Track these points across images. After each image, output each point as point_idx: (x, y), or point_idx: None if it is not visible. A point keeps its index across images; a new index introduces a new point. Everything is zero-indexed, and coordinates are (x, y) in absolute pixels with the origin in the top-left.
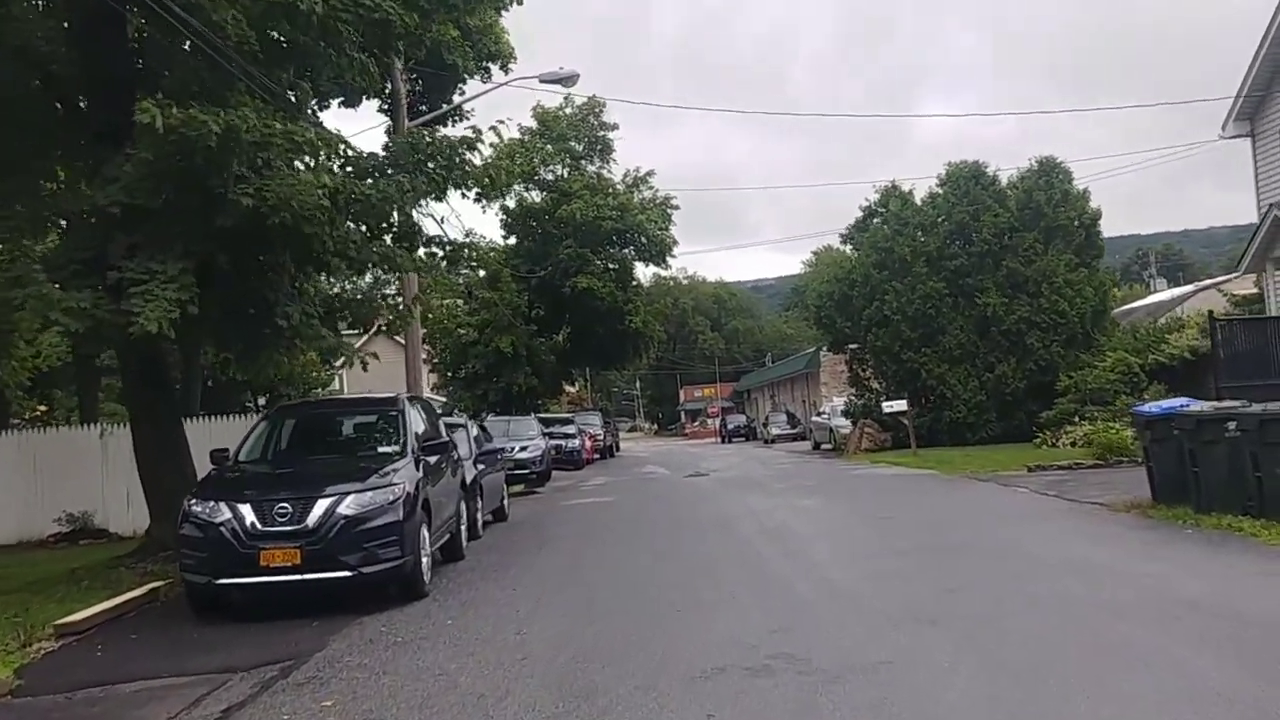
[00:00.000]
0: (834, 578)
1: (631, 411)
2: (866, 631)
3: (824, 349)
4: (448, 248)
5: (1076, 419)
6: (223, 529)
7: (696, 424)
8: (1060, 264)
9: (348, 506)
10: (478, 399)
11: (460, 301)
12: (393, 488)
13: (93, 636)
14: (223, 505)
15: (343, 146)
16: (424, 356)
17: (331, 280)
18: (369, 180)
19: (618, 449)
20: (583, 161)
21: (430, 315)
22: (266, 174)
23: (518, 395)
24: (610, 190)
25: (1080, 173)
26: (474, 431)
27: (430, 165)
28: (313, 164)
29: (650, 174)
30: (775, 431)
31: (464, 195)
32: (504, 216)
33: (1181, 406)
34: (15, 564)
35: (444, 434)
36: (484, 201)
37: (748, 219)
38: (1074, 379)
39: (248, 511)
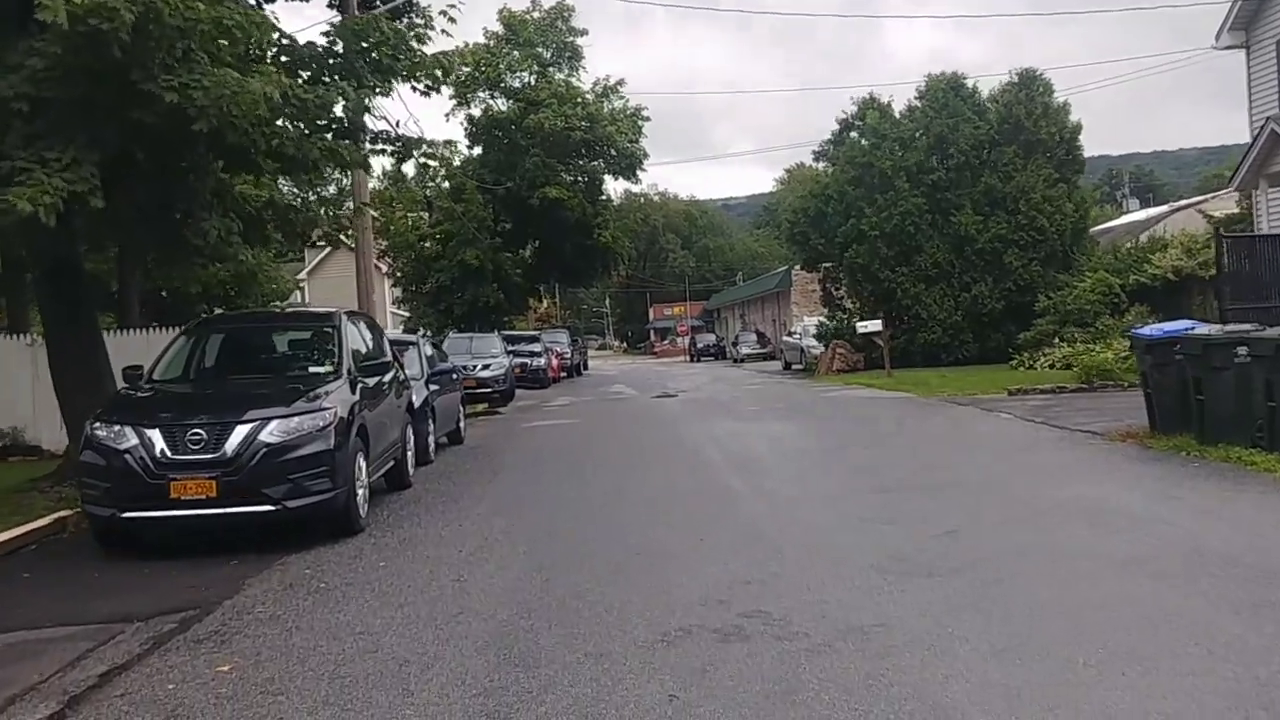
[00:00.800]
0: (812, 519)
1: (601, 329)
2: (852, 586)
3: (796, 268)
4: (397, 142)
5: (1055, 341)
6: (128, 456)
7: (666, 342)
8: (1039, 179)
9: (271, 433)
10: (441, 315)
11: (423, 214)
12: (323, 412)
13: None
14: (129, 430)
15: (277, 35)
16: (385, 270)
17: (295, 191)
18: (303, 78)
19: (585, 367)
20: (551, 69)
21: (391, 228)
22: (194, 65)
23: (484, 311)
24: (579, 99)
25: (1058, 87)
26: (426, 350)
27: (374, 55)
28: (256, 62)
29: (621, 83)
30: (745, 351)
31: (414, 88)
32: (468, 126)
33: (1186, 329)
34: None
35: (388, 353)
36: (433, 95)
37: (718, 135)
38: (1053, 300)
39: (157, 437)
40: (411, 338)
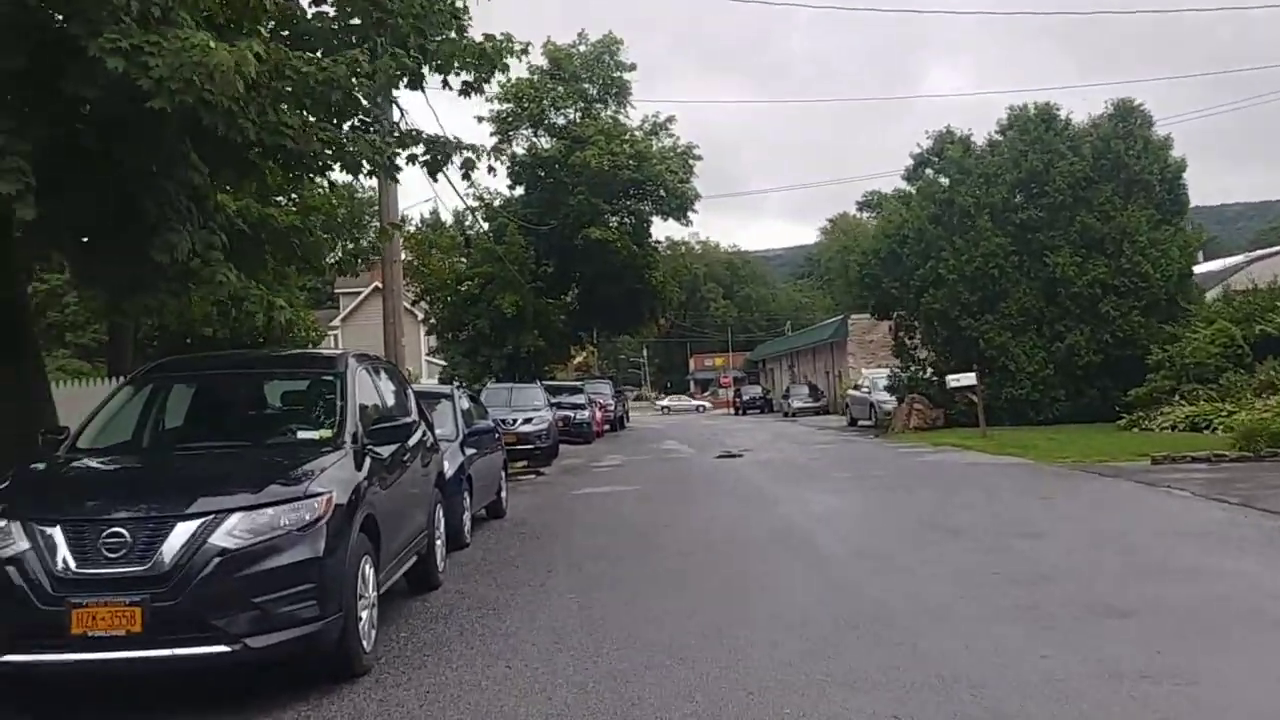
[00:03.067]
0: (1051, 669)
1: (638, 380)
2: None
3: (853, 317)
4: (429, 144)
5: (1176, 398)
6: (13, 570)
7: (707, 394)
8: (1142, 220)
9: (230, 533)
10: (480, 365)
11: (462, 260)
12: (310, 501)
13: None
14: (17, 527)
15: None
16: (420, 316)
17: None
18: (308, 54)
19: (628, 420)
20: (597, 105)
21: (427, 270)
22: (158, 29)
23: (524, 360)
24: (627, 137)
25: None
26: (462, 403)
27: (400, 23)
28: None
29: (670, 120)
30: (797, 404)
31: (446, 84)
32: (510, 164)
33: None
34: None
35: (412, 410)
36: (473, 95)
37: (752, 185)
38: (1168, 352)
39: (58, 539)
40: (444, 389)
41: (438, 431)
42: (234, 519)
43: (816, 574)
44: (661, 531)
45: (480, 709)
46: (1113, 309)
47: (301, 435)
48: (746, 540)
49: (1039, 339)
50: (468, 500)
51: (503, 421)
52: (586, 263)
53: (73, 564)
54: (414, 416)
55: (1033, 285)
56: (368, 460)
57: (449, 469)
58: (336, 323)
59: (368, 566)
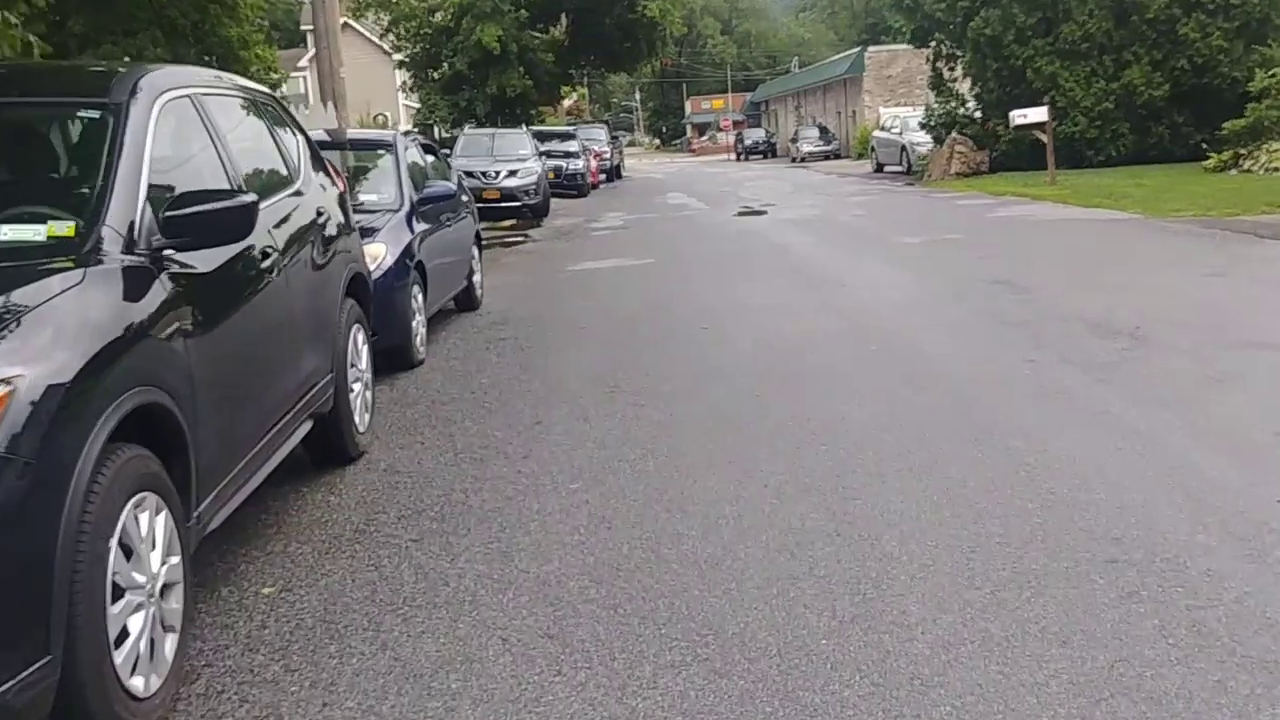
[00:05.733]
0: None
1: (630, 125)
2: None
3: (869, 50)
4: None
5: None
6: None
7: (705, 139)
8: None
9: None
10: (463, 110)
11: None
12: None
13: None
14: None
15: None
16: (390, 50)
17: None
18: None
19: (624, 170)
20: None
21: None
22: None
23: (511, 102)
24: None
25: None
26: (412, 156)
27: None
28: None
29: None
30: (806, 149)
31: None
32: None
33: None
34: None
35: (301, 165)
36: None
37: None
38: (1276, 77)
39: None
40: (383, 135)
41: (372, 199)
42: None
43: (969, 430)
44: (698, 339)
45: None
46: (1192, 31)
47: (8, 234)
48: (825, 356)
49: (1099, 67)
50: (419, 298)
51: (483, 175)
52: None
53: None
54: (302, 181)
55: (1099, 7)
56: (156, 283)
57: (387, 259)
58: (304, 62)
59: (145, 516)
